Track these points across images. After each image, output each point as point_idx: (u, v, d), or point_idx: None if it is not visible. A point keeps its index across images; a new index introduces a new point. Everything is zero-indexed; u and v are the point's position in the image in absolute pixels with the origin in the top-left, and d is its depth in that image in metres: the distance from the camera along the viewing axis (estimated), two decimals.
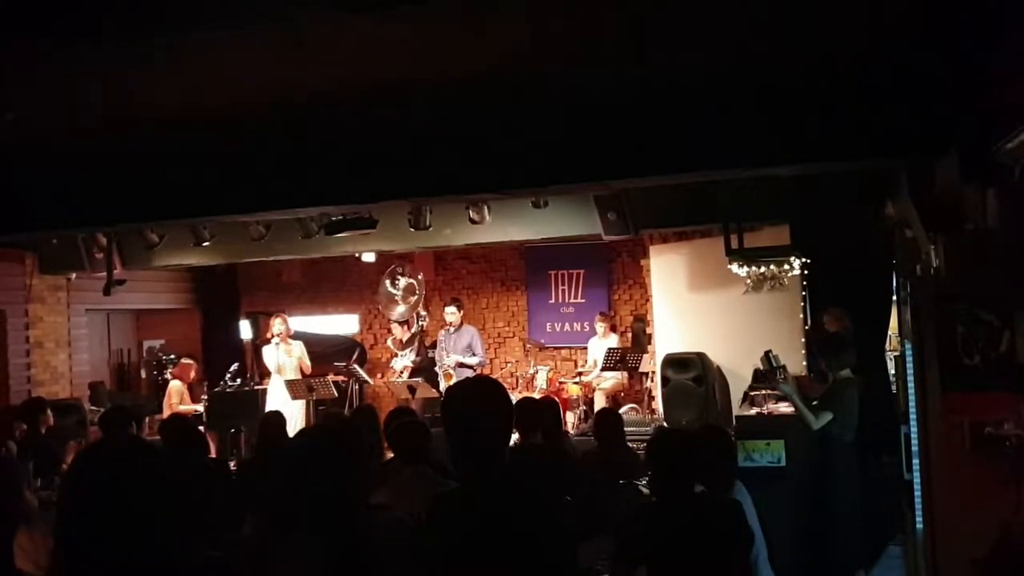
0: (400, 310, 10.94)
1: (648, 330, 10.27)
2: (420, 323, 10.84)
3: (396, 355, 10.92)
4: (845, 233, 6.88)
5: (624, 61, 4.92)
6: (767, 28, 4.49)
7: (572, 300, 11.56)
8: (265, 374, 10.58)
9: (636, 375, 10.28)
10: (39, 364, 9.85)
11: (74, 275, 10.00)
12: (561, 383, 10.32)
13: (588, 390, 10.16)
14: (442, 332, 10.27)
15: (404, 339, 10.91)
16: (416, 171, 6.09)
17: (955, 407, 4.26)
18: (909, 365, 4.94)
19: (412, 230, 7.94)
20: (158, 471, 1.76)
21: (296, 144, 6.09)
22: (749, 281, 7.60)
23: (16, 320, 9.64)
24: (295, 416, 9.29)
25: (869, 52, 4.82)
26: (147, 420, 8.98)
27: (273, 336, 9.78)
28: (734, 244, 7.27)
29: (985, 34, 4.12)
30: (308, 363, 9.84)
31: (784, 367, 6.00)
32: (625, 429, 6.12)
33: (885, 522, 6.32)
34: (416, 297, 10.82)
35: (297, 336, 10.03)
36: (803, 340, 7.64)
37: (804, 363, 7.58)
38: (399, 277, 10.94)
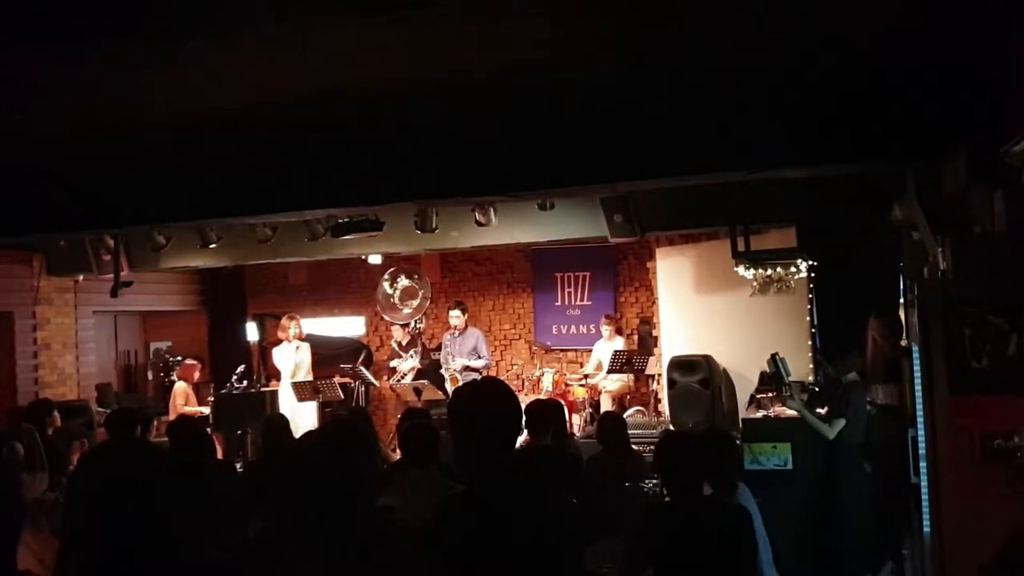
0: (405, 312, 10.92)
1: (654, 332, 10.26)
2: (417, 325, 10.83)
3: (398, 356, 10.91)
4: (852, 235, 6.85)
5: (630, 63, 4.92)
6: (774, 30, 4.48)
7: (578, 302, 11.52)
8: (274, 375, 10.59)
9: (642, 377, 10.25)
10: (46, 366, 9.85)
11: (81, 277, 10.01)
12: (567, 385, 10.30)
13: (594, 392, 10.14)
14: (447, 335, 10.27)
15: (404, 342, 10.90)
16: (422, 173, 6.09)
17: (963, 411, 4.25)
18: (916, 368, 4.92)
19: (418, 232, 7.95)
20: (162, 472, 1.76)
21: (302, 146, 6.10)
22: (755, 284, 7.57)
23: (24, 322, 9.65)
24: (309, 418, 9.30)
25: (876, 54, 4.82)
26: (155, 423, 8.95)
27: (291, 338, 9.84)
28: (740, 246, 7.25)
29: (993, 36, 4.11)
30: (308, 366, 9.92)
31: (790, 383, 5.99)
32: (631, 432, 6.12)
33: (893, 526, 6.29)
34: (418, 300, 10.80)
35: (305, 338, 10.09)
36: (809, 343, 7.62)
37: (811, 366, 7.56)
38: (399, 278, 10.92)
